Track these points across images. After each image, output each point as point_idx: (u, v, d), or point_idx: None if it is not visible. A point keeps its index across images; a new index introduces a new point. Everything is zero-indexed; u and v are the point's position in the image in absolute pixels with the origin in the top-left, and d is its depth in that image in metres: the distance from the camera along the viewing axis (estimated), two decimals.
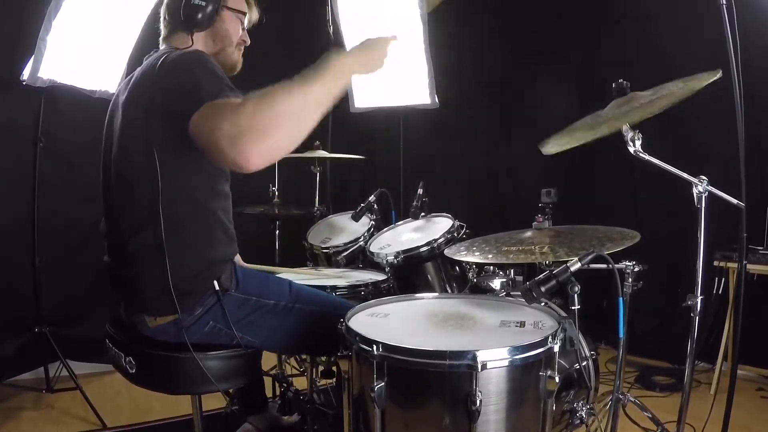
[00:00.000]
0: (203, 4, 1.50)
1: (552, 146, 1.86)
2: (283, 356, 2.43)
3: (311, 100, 1.21)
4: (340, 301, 1.70)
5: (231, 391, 2.22)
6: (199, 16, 1.51)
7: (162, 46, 1.60)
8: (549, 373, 1.21)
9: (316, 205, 3.06)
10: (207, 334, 1.47)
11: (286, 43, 3.74)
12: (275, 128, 1.15)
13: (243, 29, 1.64)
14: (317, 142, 3.02)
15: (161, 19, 1.61)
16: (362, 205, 2.51)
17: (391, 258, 2.13)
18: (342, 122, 3.87)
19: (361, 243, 2.44)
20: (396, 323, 1.42)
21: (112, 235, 1.51)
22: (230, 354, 1.50)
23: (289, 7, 3.70)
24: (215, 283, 1.44)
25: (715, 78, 1.50)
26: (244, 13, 1.63)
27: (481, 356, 1.13)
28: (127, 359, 1.49)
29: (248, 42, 1.66)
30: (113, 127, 1.50)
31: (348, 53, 1.34)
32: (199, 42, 1.54)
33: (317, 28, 3.65)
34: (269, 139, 1.15)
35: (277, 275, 1.93)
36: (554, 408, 1.24)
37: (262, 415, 2.13)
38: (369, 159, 3.30)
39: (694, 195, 1.58)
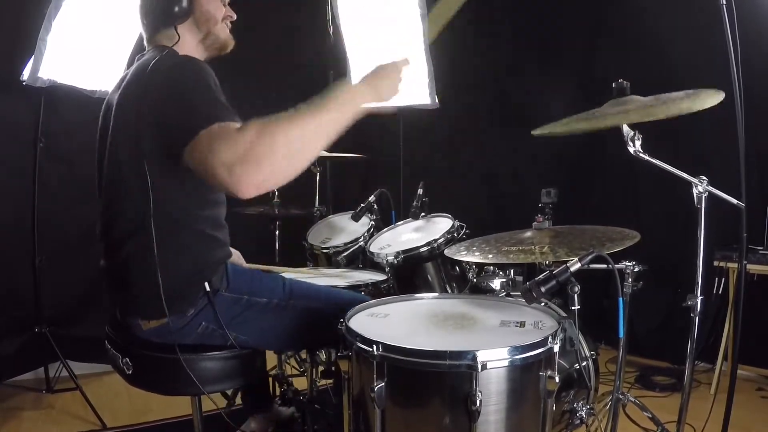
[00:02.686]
0: None
1: (542, 130, 1.85)
2: (283, 356, 2.43)
3: (313, 131, 1.21)
4: (336, 292, 1.69)
5: (230, 392, 2.22)
6: (176, 9, 1.49)
7: (148, 48, 1.58)
8: (549, 373, 1.21)
9: (316, 205, 3.06)
10: (200, 335, 1.47)
11: (287, 43, 3.74)
12: (273, 159, 1.15)
13: (225, 5, 1.60)
14: None
15: (140, 24, 1.59)
16: (362, 205, 2.51)
17: (391, 258, 2.13)
18: None
19: (361, 243, 2.44)
20: (396, 323, 1.42)
21: (106, 239, 1.51)
22: (226, 355, 1.50)
23: (289, 7, 3.71)
24: (206, 284, 1.44)
25: (717, 101, 1.49)
26: None
27: (481, 356, 1.13)
28: (124, 360, 1.50)
29: (234, 16, 1.62)
30: (106, 131, 1.49)
31: (359, 82, 1.32)
32: (185, 32, 1.52)
33: (317, 28, 3.66)
34: (267, 169, 1.15)
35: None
36: (554, 408, 1.24)
37: (266, 414, 2.13)
38: (369, 159, 3.30)
39: (694, 195, 1.58)
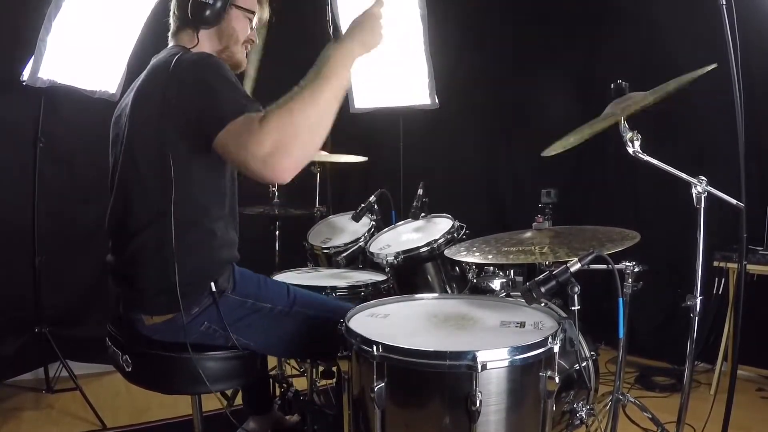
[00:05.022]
0: (211, 2, 1.49)
1: (551, 149, 1.86)
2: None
3: (326, 103, 1.27)
4: (339, 304, 1.68)
5: (230, 392, 2.22)
6: (207, 13, 1.50)
7: (170, 43, 1.59)
8: (549, 373, 1.21)
9: (316, 205, 3.06)
10: (202, 334, 1.47)
11: (286, 43, 3.74)
12: (301, 140, 1.22)
13: (251, 28, 1.63)
14: None
15: (171, 13, 1.59)
16: (362, 205, 2.51)
17: (391, 258, 2.13)
18: (342, 122, 3.87)
19: (361, 243, 2.44)
20: (396, 324, 1.42)
21: (116, 234, 1.51)
22: (227, 355, 1.50)
23: (288, 6, 3.70)
24: (212, 284, 1.45)
25: (708, 69, 1.50)
26: (254, 13, 1.62)
27: (481, 356, 1.13)
28: (124, 357, 1.50)
29: (256, 41, 1.65)
30: (120, 126, 1.49)
31: (344, 40, 1.35)
32: (205, 39, 1.53)
33: (317, 28, 3.66)
34: (296, 152, 1.22)
35: (275, 278, 1.93)
36: (554, 408, 1.24)
37: (266, 415, 2.13)
38: (369, 159, 3.30)
39: (693, 195, 1.58)
